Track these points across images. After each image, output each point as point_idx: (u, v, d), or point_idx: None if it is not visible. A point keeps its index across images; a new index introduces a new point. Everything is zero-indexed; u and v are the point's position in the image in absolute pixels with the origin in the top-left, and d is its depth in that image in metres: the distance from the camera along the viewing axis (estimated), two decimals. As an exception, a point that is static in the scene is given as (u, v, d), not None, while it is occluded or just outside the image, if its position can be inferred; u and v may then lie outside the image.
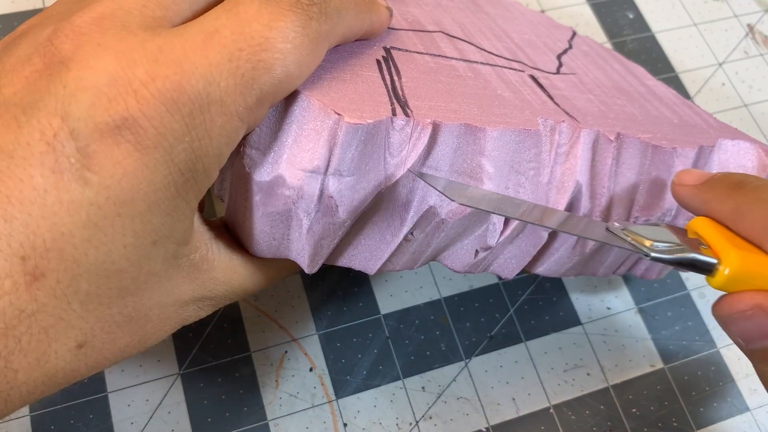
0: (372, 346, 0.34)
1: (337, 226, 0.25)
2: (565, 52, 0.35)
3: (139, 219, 0.20)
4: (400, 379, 0.34)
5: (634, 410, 0.34)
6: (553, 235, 0.30)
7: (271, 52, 0.21)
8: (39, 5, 0.42)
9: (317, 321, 0.35)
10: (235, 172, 0.24)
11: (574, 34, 0.37)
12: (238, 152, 0.24)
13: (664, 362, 0.36)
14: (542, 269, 0.31)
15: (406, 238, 0.27)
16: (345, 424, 0.33)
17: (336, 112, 0.23)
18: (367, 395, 0.33)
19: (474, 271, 0.30)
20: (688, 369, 0.36)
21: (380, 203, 0.26)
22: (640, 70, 0.37)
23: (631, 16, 0.47)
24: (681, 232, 0.24)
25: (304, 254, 0.25)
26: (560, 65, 0.33)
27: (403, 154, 0.24)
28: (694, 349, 0.36)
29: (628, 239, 0.24)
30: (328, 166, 0.23)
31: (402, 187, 0.25)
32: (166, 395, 0.32)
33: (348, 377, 0.34)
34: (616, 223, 0.25)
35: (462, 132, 0.25)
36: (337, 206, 0.24)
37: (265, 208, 0.24)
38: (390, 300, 0.36)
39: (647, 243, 0.24)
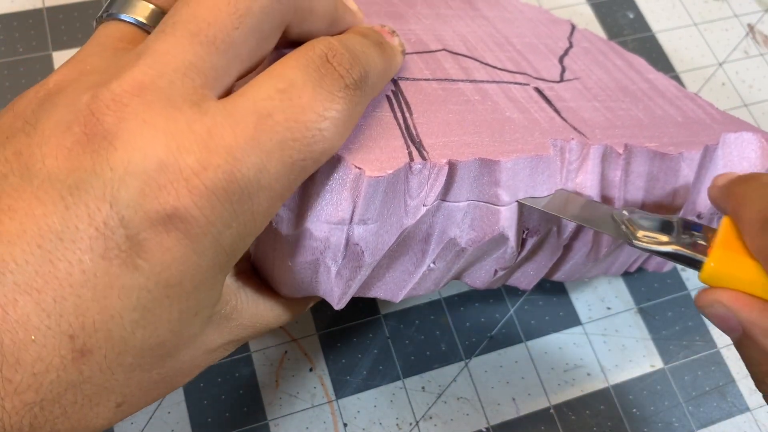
0: (372, 346, 0.34)
1: (364, 268, 0.25)
2: (566, 53, 0.35)
3: (185, 298, 0.20)
4: (400, 379, 0.34)
5: (634, 410, 0.34)
6: (568, 246, 0.30)
7: (322, 143, 0.21)
8: (39, 5, 0.42)
9: (317, 321, 0.35)
10: None
11: (573, 28, 0.37)
12: None
13: (664, 362, 0.36)
14: (557, 276, 0.32)
15: (428, 268, 0.28)
16: (345, 424, 0.33)
17: (356, 167, 0.23)
18: (367, 395, 0.33)
19: (493, 287, 0.31)
20: (688, 369, 0.36)
21: (403, 240, 0.26)
22: (641, 63, 0.36)
23: (631, 15, 0.47)
24: (709, 230, 0.25)
25: (332, 294, 0.26)
26: (563, 70, 0.33)
27: (422, 195, 0.25)
28: (694, 349, 0.36)
29: (622, 227, 0.25)
30: (352, 216, 0.24)
31: (422, 223, 0.26)
32: (165, 395, 0.32)
33: (348, 377, 0.34)
34: (625, 212, 0.26)
35: (477, 166, 0.25)
36: (363, 251, 0.24)
37: (293, 258, 0.25)
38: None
39: (639, 233, 0.24)
